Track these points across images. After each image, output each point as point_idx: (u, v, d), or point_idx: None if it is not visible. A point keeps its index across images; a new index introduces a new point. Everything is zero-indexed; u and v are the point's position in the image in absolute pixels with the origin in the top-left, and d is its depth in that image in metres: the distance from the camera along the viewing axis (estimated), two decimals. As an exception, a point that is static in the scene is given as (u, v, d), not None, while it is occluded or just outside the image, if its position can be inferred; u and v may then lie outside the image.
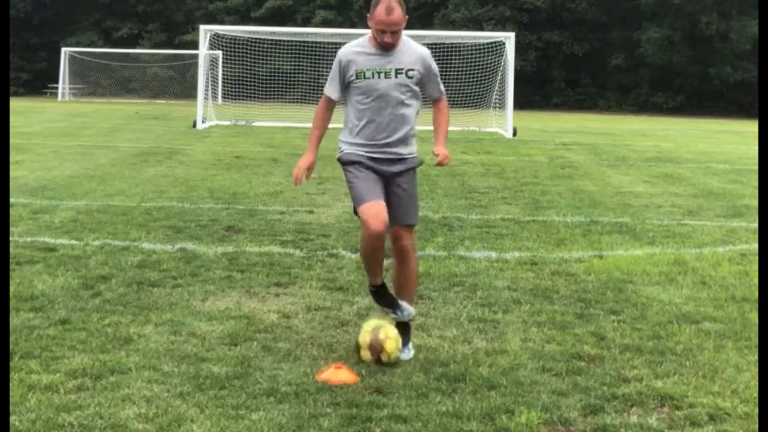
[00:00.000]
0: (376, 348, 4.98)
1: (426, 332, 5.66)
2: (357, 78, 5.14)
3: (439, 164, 5.21)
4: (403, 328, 5.26)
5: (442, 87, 5.36)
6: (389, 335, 5.02)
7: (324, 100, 5.35)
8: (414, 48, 5.22)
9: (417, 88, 5.22)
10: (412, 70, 5.14)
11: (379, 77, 5.11)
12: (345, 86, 5.22)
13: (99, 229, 8.92)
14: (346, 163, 5.25)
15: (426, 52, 5.26)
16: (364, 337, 5.04)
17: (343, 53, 5.21)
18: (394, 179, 5.22)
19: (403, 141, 5.21)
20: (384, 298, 5.32)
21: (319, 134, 5.35)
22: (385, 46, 5.09)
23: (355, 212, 5.20)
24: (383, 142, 5.17)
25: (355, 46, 5.22)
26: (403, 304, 5.29)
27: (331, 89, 5.28)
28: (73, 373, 4.72)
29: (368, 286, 5.43)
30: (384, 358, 4.98)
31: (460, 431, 4.14)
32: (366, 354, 5.01)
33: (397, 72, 5.12)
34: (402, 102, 5.16)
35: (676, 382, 4.81)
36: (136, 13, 60.83)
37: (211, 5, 59.97)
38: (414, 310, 5.40)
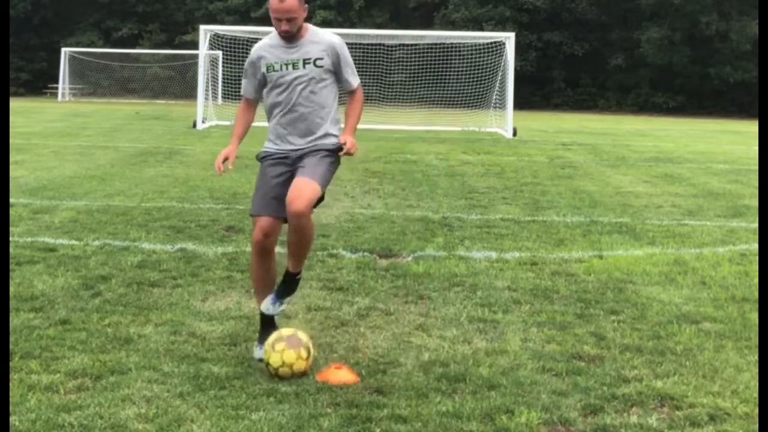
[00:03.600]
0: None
1: (426, 332, 5.66)
2: (268, 72, 5.17)
3: (347, 153, 5.14)
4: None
5: (355, 77, 5.31)
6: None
7: (243, 102, 5.40)
8: (322, 37, 5.21)
9: (329, 78, 5.19)
10: (321, 59, 5.14)
11: (287, 68, 5.13)
12: (261, 83, 5.25)
13: (99, 229, 8.92)
14: (259, 160, 5.33)
15: (336, 39, 5.22)
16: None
17: (253, 50, 5.26)
18: (302, 156, 5.16)
19: (318, 132, 5.17)
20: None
21: (240, 131, 5.39)
22: (284, 35, 5.09)
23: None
24: (295, 134, 5.16)
25: (265, 40, 5.26)
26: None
27: (247, 89, 5.33)
28: (73, 373, 4.72)
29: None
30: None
31: (460, 431, 4.15)
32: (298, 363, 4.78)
33: (305, 62, 5.13)
34: (313, 92, 5.14)
35: (676, 382, 4.81)
36: (136, 13, 60.81)
37: (211, 5, 59.96)
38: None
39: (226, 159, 5.27)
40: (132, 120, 30.58)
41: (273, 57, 5.16)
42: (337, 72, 5.22)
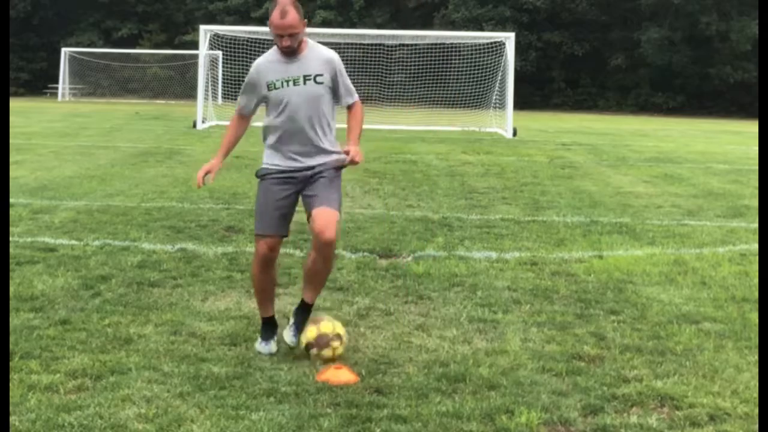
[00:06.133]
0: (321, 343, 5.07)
1: (426, 332, 5.66)
2: (269, 89, 5.13)
3: (351, 161, 5.09)
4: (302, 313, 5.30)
5: (353, 92, 5.27)
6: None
7: (236, 118, 5.34)
8: (321, 52, 5.18)
9: (328, 94, 5.16)
10: (321, 75, 5.11)
11: (287, 85, 5.10)
12: (260, 100, 5.21)
13: (99, 229, 8.92)
14: (259, 177, 5.25)
15: (333, 55, 5.19)
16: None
17: (254, 65, 5.21)
18: (311, 178, 5.15)
19: (320, 149, 5.15)
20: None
21: (230, 145, 5.33)
22: (285, 50, 5.06)
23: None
24: (298, 152, 5.12)
25: (266, 56, 5.21)
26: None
27: (245, 105, 5.27)
28: (73, 373, 4.72)
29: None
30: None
31: (460, 431, 4.15)
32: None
33: (306, 78, 5.09)
34: (314, 109, 5.10)
35: (676, 382, 4.81)
36: (136, 13, 60.81)
37: (211, 5, 59.95)
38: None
39: (207, 173, 5.22)
40: (132, 120, 30.57)
41: (274, 74, 5.12)
42: (334, 88, 5.19)
